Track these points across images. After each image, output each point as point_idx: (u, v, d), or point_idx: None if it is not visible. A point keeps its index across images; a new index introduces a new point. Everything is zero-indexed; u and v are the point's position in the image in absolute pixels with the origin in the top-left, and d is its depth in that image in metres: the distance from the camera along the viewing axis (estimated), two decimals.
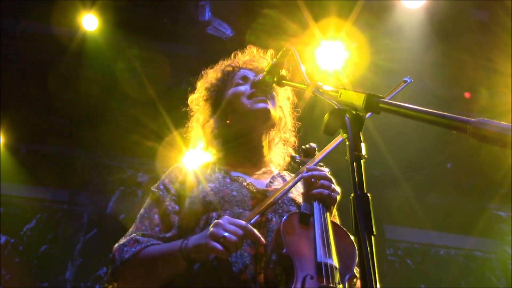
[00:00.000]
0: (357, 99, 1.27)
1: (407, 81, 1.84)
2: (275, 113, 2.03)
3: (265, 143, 2.08)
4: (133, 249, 1.71)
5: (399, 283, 6.25)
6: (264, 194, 1.84)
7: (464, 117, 1.03)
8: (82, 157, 6.27)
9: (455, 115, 1.06)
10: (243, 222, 1.59)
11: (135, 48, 5.04)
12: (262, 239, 1.61)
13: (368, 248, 1.07)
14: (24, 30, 5.03)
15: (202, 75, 2.20)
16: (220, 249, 1.52)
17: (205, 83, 2.15)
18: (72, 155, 6.26)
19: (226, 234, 1.53)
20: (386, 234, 6.42)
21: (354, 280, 1.72)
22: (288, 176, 2.07)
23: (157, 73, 5.24)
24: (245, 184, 1.88)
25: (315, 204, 1.74)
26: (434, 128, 1.15)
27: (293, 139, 2.17)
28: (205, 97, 2.13)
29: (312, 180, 1.79)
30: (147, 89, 5.15)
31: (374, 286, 1.05)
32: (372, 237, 1.09)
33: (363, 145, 1.21)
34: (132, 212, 5.81)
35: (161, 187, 1.91)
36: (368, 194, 1.14)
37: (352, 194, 1.15)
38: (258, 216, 1.67)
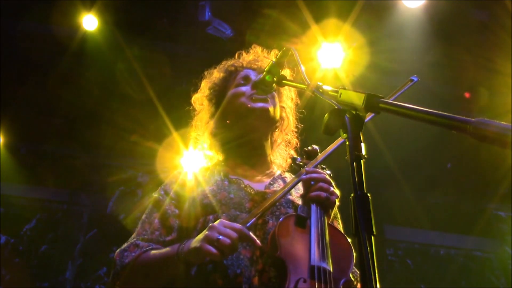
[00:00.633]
0: (357, 99, 1.27)
1: (413, 80, 1.83)
2: (274, 112, 2.02)
3: (266, 144, 2.07)
4: (133, 254, 1.74)
5: (399, 283, 6.25)
6: (262, 196, 1.84)
7: (464, 117, 1.03)
8: (82, 157, 6.28)
9: (455, 115, 1.06)
10: (238, 225, 1.59)
11: (135, 48, 5.04)
12: (258, 241, 1.60)
13: (368, 248, 1.07)
14: (24, 30, 5.02)
15: (206, 75, 2.21)
16: (214, 252, 1.52)
17: (208, 83, 2.16)
18: (72, 155, 6.27)
19: (221, 237, 1.53)
20: (386, 234, 6.42)
21: (355, 283, 1.72)
22: (290, 178, 2.05)
23: (157, 73, 5.24)
24: (243, 186, 1.88)
25: (313, 207, 1.72)
26: (434, 128, 1.15)
27: (295, 140, 2.17)
28: (208, 97, 2.13)
29: (312, 182, 1.77)
30: (147, 89, 5.15)
31: (374, 286, 1.05)
32: (372, 237, 1.09)
33: (363, 145, 1.21)
34: (132, 212, 5.82)
35: (161, 192, 1.94)
36: (368, 194, 1.14)
37: (352, 194, 1.14)
38: (254, 218, 1.67)
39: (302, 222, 1.69)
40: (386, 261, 6.40)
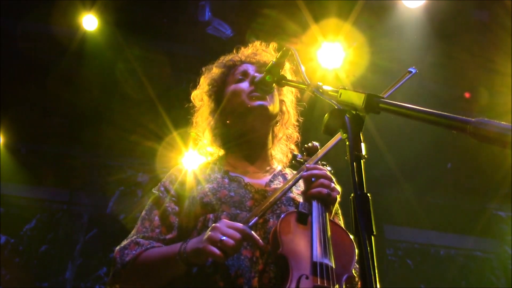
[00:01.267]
0: (357, 99, 1.26)
1: (412, 71, 1.82)
2: (273, 110, 2.01)
3: (267, 141, 2.06)
4: (134, 252, 1.72)
5: (399, 283, 6.25)
6: (262, 194, 1.83)
7: (464, 117, 1.03)
8: (82, 157, 6.28)
9: (455, 115, 1.05)
10: (241, 225, 1.58)
11: (135, 48, 5.04)
12: (261, 241, 1.60)
13: (368, 248, 1.07)
14: (24, 30, 5.02)
15: (204, 71, 2.19)
16: (218, 253, 1.51)
17: (207, 79, 2.14)
18: (72, 155, 6.27)
19: (224, 238, 1.52)
20: (386, 234, 6.42)
21: (356, 279, 1.72)
22: (290, 174, 2.05)
23: (157, 73, 5.24)
24: (243, 184, 1.87)
25: (314, 203, 1.72)
26: (434, 128, 1.15)
27: (296, 134, 2.15)
28: (208, 93, 2.12)
29: (312, 179, 1.77)
30: (147, 89, 5.15)
31: (374, 286, 1.05)
32: (372, 237, 1.09)
33: (363, 145, 1.21)
34: (132, 212, 5.82)
35: (162, 188, 1.92)
36: (368, 194, 1.14)
37: (352, 194, 1.14)
38: (256, 218, 1.66)
39: (303, 218, 1.69)
40: (386, 261, 6.39)
